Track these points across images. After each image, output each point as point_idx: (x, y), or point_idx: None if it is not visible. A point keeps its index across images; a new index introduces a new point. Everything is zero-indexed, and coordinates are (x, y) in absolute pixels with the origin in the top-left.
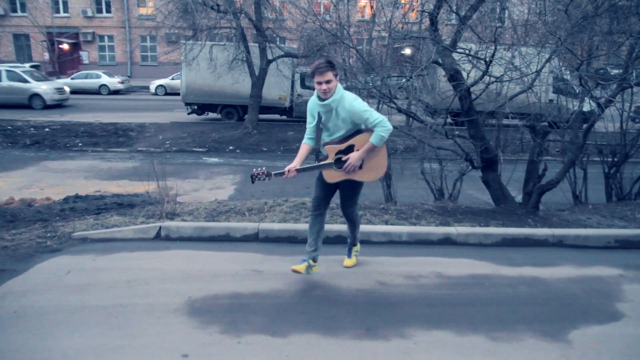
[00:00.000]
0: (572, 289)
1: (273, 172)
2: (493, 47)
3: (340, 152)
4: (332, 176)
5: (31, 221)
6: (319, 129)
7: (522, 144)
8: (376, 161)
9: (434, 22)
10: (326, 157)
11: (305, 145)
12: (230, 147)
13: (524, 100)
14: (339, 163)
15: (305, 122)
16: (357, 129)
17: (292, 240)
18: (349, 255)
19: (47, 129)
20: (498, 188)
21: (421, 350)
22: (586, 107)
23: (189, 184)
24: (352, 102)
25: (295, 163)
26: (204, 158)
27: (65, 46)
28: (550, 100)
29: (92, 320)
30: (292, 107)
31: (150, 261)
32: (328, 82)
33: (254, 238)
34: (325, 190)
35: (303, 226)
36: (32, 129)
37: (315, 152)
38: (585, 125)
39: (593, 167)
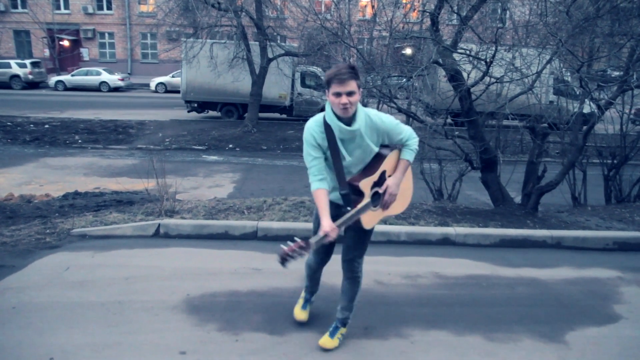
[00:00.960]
0: (570, 290)
1: (313, 241)
2: (494, 48)
3: (374, 184)
4: (370, 219)
5: (30, 217)
6: (338, 169)
7: (522, 145)
8: (406, 186)
9: (435, 22)
10: (358, 199)
11: (322, 191)
12: (230, 145)
13: (524, 101)
14: (375, 200)
15: (305, 120)
16: (377, 153)
17: (290, 239)
18: (332, 335)
19: (46, 126)
20: (497, 189)
21: (419, 349)
22: (586, 109)
23: (188, 182)
24: (380, 117)
25: (328, 219)
26: (203, 156)
27: (66, 43)
28: (551, 102)
29: (91, 316)
30: (292, 106)
31: (149, 258)
32: (350, 94)
33: (253, 236)
34: (329, 248)
35: (302, 225)
36: (31, 125)
37: (344, 197)
38: (585, 127)
39: (592, 169)
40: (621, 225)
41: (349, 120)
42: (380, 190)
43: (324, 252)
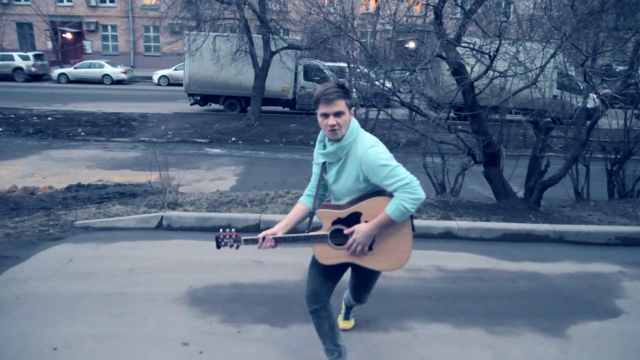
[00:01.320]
0: (571, 284)
1: (243, 238)
2: (497, 42)
3: (339, 221)
4: (326, 255)
5: (34, 209)
6: (320, 183)
7: (525, 140)
8: (394, 243)
9: (438, 16)
10: (320, 227)
11: (299, 205)
12: (233, 139)
13: (528, 95)
14: (337, 238)
15: (307, 114)
16: (377, 190)
17: (293, 231)
18: (347, 316)
19: (50, 118)
20: (500, 183)
21: (420, 342)
22: (590, 104)
23: (190, 175)
24: (366, 150)
25: (277, 229)
26: (206, 149)
27: (69, 35)
28: (554, 96)
29: (94, 307)
30: (295, 99)
31: (152, 250)
32: (338, 114)
33: (256, 229)
34: (327, 278)
35: None
36: (35, 117)
37: (310, 216)
38: (588, 122)
39: (596, 164)
40: (624, 220)
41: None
42: (346, 232)
43: (329, 277)
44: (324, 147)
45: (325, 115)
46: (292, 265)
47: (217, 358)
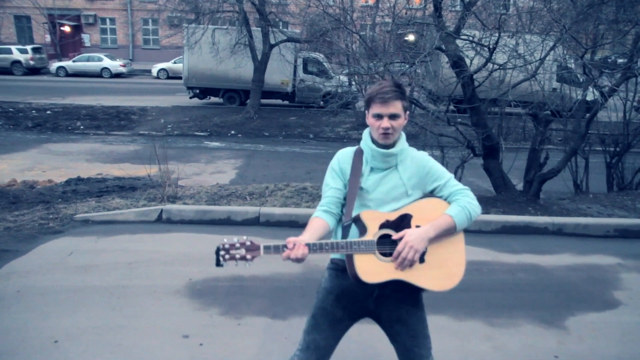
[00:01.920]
0: (570, 276)
1: (263, 245)
2: (497, 34)
3: (387, 224)
4: (372, 269)
5: (33, 203)
6: (350, 201)
7: (525, 132)
8: (447, 254)
9: (438, 8)
10: (362, 233)
11: (319, 221)
12: (232, 132)
13: (527, 88)
14: (385, 245)
15: (306, 107)
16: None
17: (293, 224)
18: None
19: (49, 112)
20: (499, 176)
21: None
22: (590, 96)
23: (190, 168)
24: (423, 155)
25: (304, 237)
26: (205, 142)
27: (67, 28)
28: (554, 89)
29: (94, 300)
30: (295, 92)
31: (152, 243)
32: (394, 117)
33: (255, 222)
34: (336, 327)
35: (304, 211)
36: (34, 111)
37: (344, 229)
38: (588, 115)
39: (595, 157)
40: (622, 213)
41: (387, 148)
42: (395, 237)
43: (323, 348)
44: (379, 147)
45: (379, 117)
46: None
47: (217, 350)
